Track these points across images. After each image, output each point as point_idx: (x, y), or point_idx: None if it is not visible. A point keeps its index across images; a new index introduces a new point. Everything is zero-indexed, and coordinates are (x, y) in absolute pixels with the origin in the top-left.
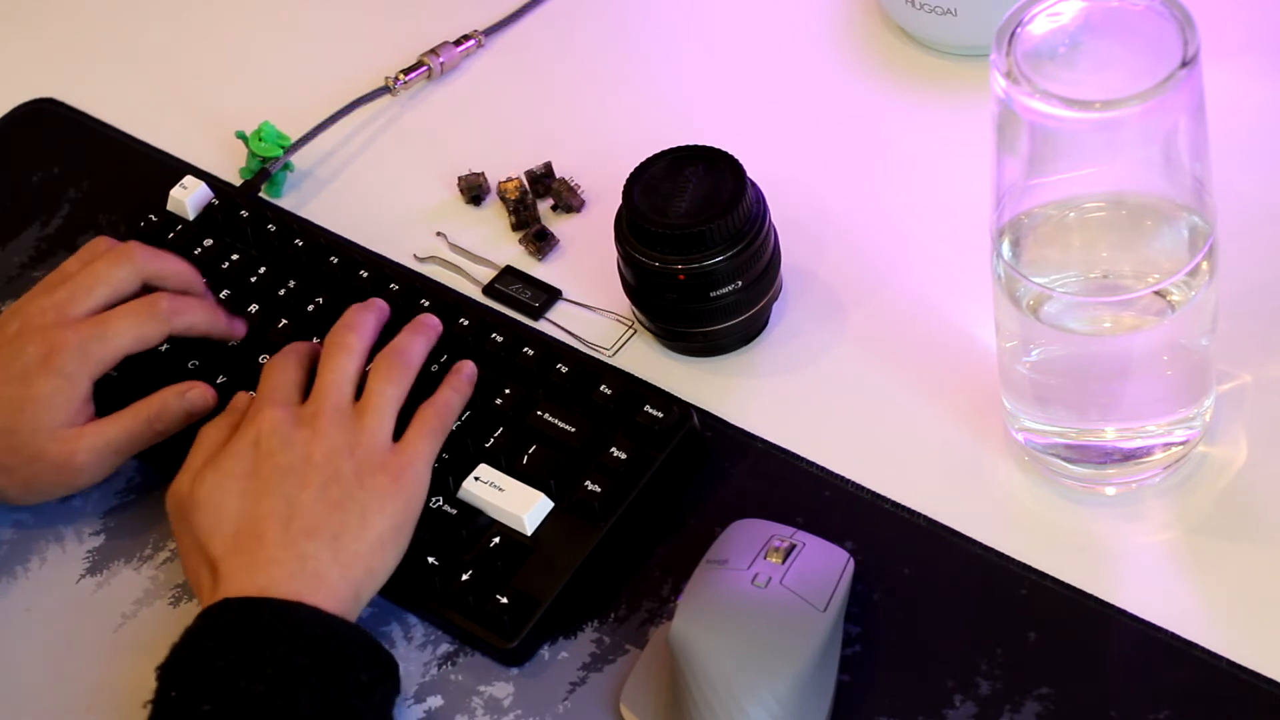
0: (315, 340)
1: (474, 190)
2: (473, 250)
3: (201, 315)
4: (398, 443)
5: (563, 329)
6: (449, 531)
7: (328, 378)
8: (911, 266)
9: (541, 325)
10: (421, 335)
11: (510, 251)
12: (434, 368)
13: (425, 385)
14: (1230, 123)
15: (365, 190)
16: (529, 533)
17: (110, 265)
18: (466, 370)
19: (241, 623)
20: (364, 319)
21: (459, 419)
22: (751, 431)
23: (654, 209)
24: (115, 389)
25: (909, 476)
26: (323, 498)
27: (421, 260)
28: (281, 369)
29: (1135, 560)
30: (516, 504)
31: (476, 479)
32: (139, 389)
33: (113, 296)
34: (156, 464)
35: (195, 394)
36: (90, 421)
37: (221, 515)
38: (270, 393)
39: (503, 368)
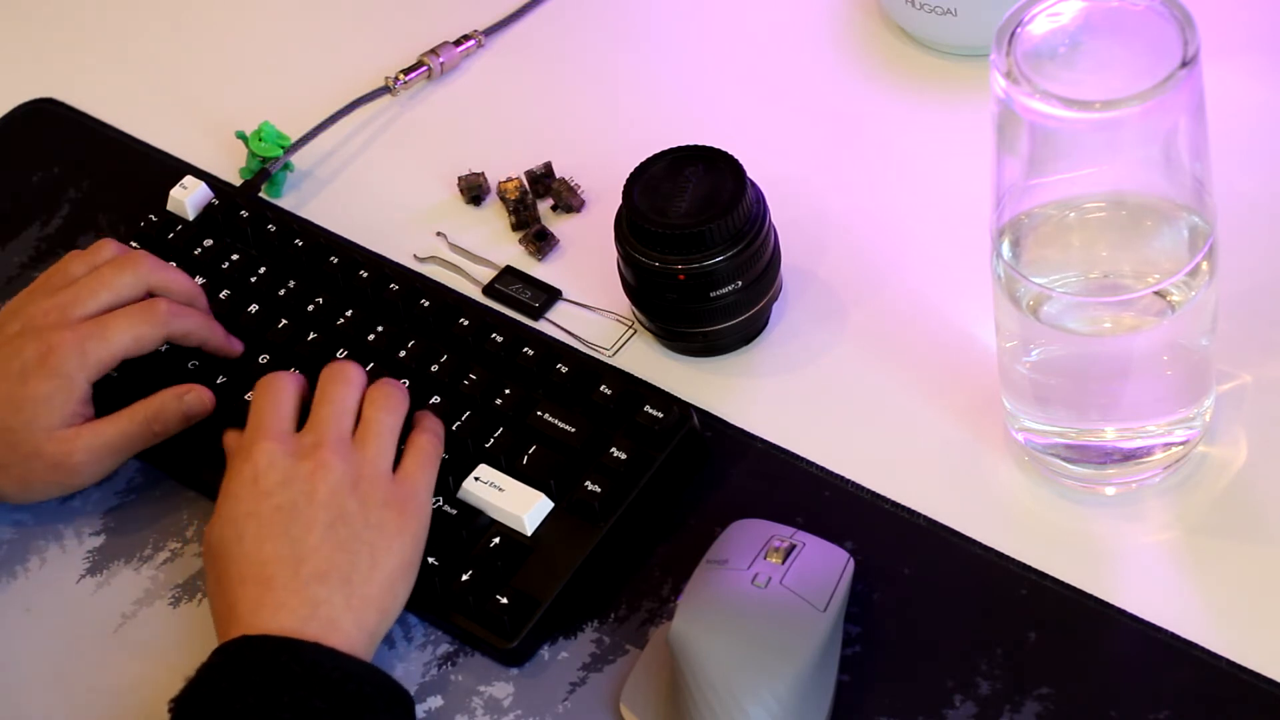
0: (312, 336)
1: (474, 190)
2: (473, 250)
3: (199, 324)
4: (398, 473)
5: (563, 329)
6: (449, 531)
7: (327, 408)
8: (911, 266)
9: (541, 325)
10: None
11: (510, 251)
12: (434, 368)
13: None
14: (1230, 123)
15: (365, 190)
16: (529, 533)
17: (116, 271)
18: (429, 415)
19: (258, 663)
20: (355, 363)
21: (454, 424)
22: (751, 431)
23: (654, 209)
24: (115, 389)
25: (909, 476)
26: (330, 539)
27: (421, 260)
28: (272, 396)
29: (1135, 560)
30: (516, 504)
31: (476, 479)
32: (138, 389)
33: (115, 301)
34: (158, 463)
35: (193, 397)
36: (88, 422)
37: (229, 560)
38: (262, 423)
39: (503, 368)
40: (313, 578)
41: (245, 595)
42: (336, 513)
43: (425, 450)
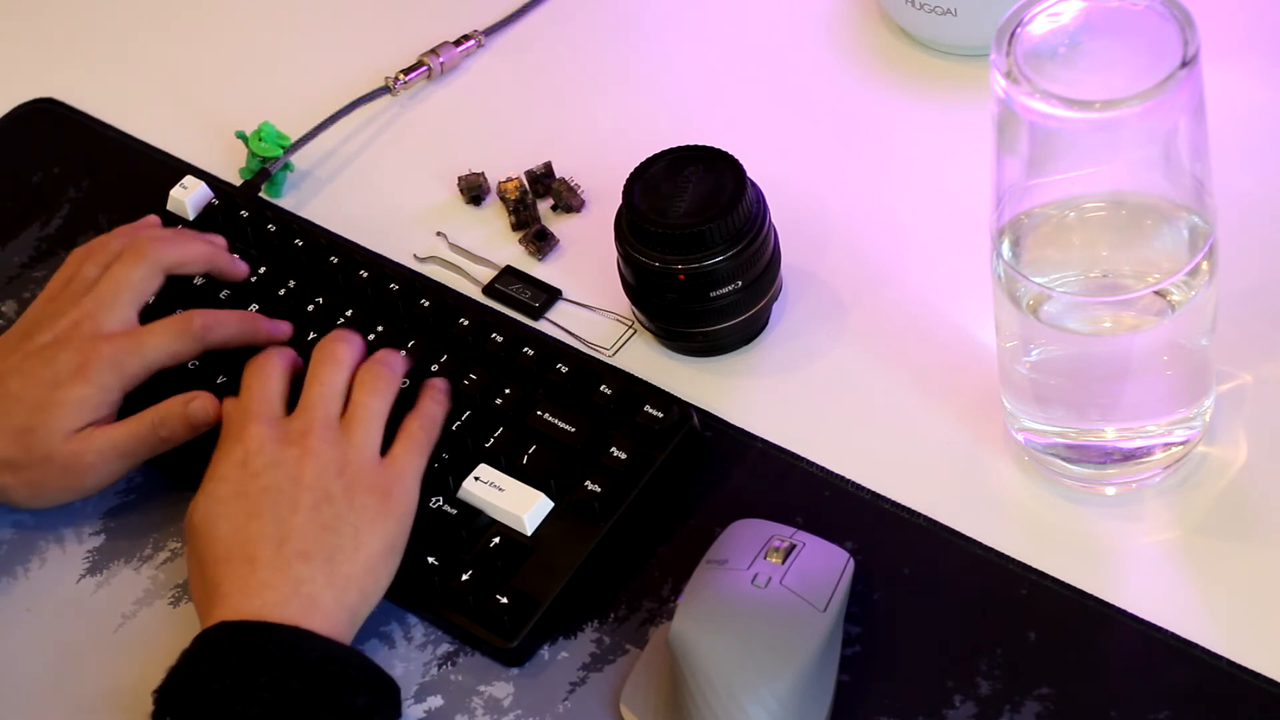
0: (312, 336)
1: (474, 190)
2: (473, 250)
3: (236, 328)
4: (386, 458)
5: (563, 329)
6: (449, 531)
7: (316, 390)
8: (911, 266)
9: (541, 325)
10: (399, 354)
11: (510, 251)
12: (434, 368)
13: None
14: (1230, 123)
15: (365, 190)
16: (529, 533)
17: (129, 268)
18: (440, 384)
19: (237, 646)
20: (350, 334)
21: (454, 423)
22: (751, 431)
23: (654, 209)
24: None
25: (909, 476)
26: (314, 519)
27: (421, 260)
28: (262, 378)
29: (1135, 560)
30: (516, 504)
31: (476, 479)
32: (140, 388)
33: (138, 299)
34: (159, 465)
35: (198, 405)
36: (100, 426)
37: (214, 539)
38: (253, 405)
39: (503, 368)
40: (295, 556)
41: (229, 574)
42: (321, 494)
43: (415, 436)
